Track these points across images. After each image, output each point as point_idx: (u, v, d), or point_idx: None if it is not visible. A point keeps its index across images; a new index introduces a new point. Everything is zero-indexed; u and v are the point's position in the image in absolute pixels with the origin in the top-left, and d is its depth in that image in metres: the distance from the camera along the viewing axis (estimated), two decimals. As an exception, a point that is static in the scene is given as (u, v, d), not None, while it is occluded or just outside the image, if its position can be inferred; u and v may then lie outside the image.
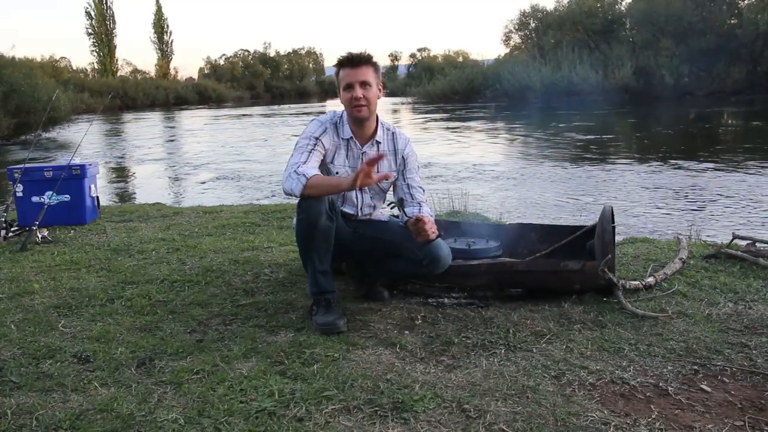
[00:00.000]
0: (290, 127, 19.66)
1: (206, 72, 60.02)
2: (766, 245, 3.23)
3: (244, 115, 28.98)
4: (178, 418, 1.69)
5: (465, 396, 1.79)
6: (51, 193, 4.37)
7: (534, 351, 2.11)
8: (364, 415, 1.70)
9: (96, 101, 29.95)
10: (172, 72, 57.21)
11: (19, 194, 4.43)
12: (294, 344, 2.18)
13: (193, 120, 26.67)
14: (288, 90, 59.28)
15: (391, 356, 2.09)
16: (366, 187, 2.57)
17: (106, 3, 51.11)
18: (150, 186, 9.31)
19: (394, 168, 2.60)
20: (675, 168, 8.91)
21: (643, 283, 2.69)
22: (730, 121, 18.41)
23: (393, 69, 61.72)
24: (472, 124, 18.80)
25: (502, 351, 2.12)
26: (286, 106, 37.08)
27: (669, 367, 1.98)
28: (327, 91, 57.01)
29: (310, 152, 2.41)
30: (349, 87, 2.41)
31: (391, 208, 2.61)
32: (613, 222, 2.65)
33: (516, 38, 36.83)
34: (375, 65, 2.47)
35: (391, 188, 2.66)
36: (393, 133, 2.62)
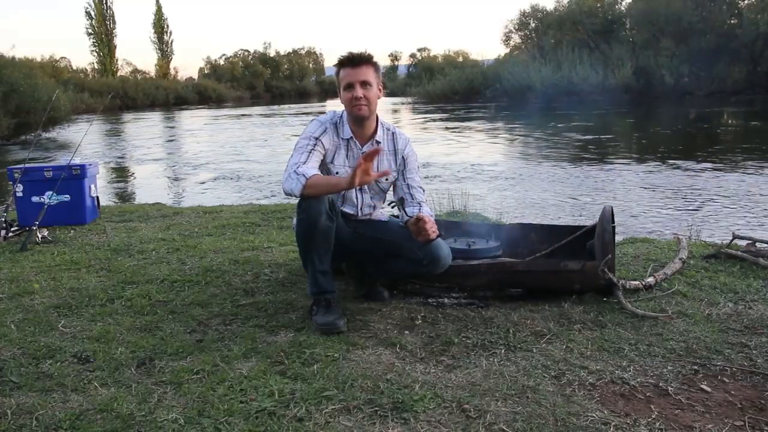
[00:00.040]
0: (290, 127, 19.66)
1: (206, 72, 60.05)
2: (766, 245, 3.23)
3: (243, 115, 28.98)
4: (178, 418, 1.69)
5: (465, 396, 1.79)
6: (51, 193, 4.37)
7: (534, 351, 2.11)
8: (364, 415, 1.70)
9: (96, 101, 29.96)
10: (172, 72, 57.29)
11: (19, 194, 4.43)
12: (294, 344, 2.18)
13: (193, 120, 26.67)
14: (288, 90, 59.30)
15: (391, 356, 2.09)
16: (366, 187, 2.58)
17: (106, 3, 51.18)
18: (150, 186, 9.30)
19: (394, 168, 2.60)
20: (675, 168, 8.91)
21: (643, 283, 2.69)
22: (730, 121, 18.41)
23: (393, 69, 61.74)
24: (471, 124, 18.80)
25: (502, 351, 2.12)
26: (286, 106, 37.08)
27: (669, 367, 1.98)
28: (327, 91, 57.05)
29: (310, 152, 2.41)
30: (350, 86, 2.41)
31: (392, 207, 2.61)
32: (613, 222, 2.65)
33: (516, 38, 36.88)
34: (375, 65, 2.47)
35: (391, 188, 2.67)
36: (393, 133, 2.62)
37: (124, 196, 8.58)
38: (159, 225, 4.53)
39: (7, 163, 10.29)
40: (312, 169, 2.35)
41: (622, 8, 31.36)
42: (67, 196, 4.48)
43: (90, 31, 51.31)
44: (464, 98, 30.57)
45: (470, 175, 8.94)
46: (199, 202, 6.95)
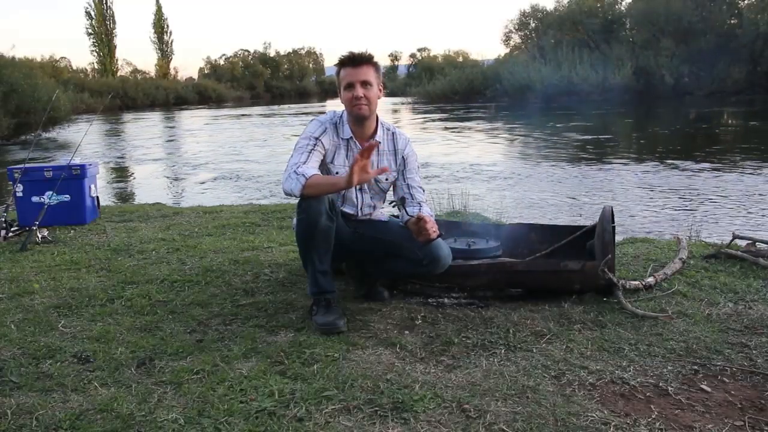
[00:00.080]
0: (290, 128, 19.66)
1: (206, 72, 60.05)
2: (766, 245, 3.23)
3: (243, 115, 28.98)
4: (178, 418, 1.69)
5: (465, 396, 1.79)
6: (51, 193, 4.37)
7: (534, 351, 2.11)
8: (364, 415, 1.70)
9: (96, 101, 29.96)
10: (172, 72, 57.28)
11: (19, 194, 4.43)
12: (294, 344, 2.17)
13: (193, 120, 26.67)
14: (288, 90, 59.30)
15: (391, 356, 2.09)
16: (366, 187, 2.58)
17: (106, 3, 51.17)
18: (150, 186, 9.31)
19: (394, 168, 2.60)
20: (675, 168, 8.91)
21: (643, 283, 2.69)
22: (730, 121, 18.41)
23: (393, 69, 61.73)
24: (471, 124, 18.81)
25: (502, 351, 2.12)
26: (286, 106, 37.08)
27: (669, 367, 1.98)
28: (327, 91, 57.05)
29: (310, 152, 2.41)
30: (350, 86, 2.41)
31: (393, 207, 2.61)
32: (613, 222, 2.65)
33: (516, 38, 36.92)
34: (376, 65, 2.47)
35: (391, 188, 2.67)
36: (393, 133, 2.62)
37: (124, 196, 8.58)
38: (159, 225, 4.53)
39: (7, 163, 10.30)
40: (312, 169, 2.35)
41: (622, 8, 31.39)
42: (67, 196, 4.48)
43: (90, 31, 51.38)
44: (464, 98, 30.57)
45: (469, 175, 8.94)
46: (199, 202, 6.95)
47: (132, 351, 2.16)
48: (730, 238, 3.40)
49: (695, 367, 1.98)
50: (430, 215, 2.48)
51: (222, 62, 61.21)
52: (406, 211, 2.49)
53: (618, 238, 3.76)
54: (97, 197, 4.82)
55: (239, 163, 11.21)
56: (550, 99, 24.44)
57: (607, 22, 30.41)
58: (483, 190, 7.50)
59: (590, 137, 13.57)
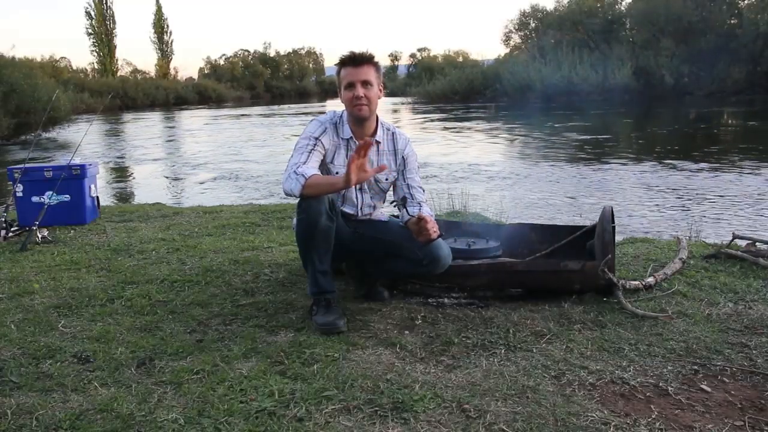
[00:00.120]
0: (290, 128, 19.66)
1: (206, 72, 60.05)
2: (766, 245, 3.23)
3: (243, 115, 28.98)
4: (178, 418, 1.69)
5: (465, 396, 1.79)
6: (51, 193, 4.37)
7: (534, 351, 2.11)
8: (364, 415, 1.70)
9: (96, 101, 29.96)
10: (172, 72, 57.28)
11: (19, 194, 4.43)
12: (294, 344, 2.17)
13: (193, 120, 26.67)
14: (288, 90, 59.30)
15: (391, 356, 2.09)
16: (366, 187, 2.58)
17: (106, 3, 51.17)
18: (150, 186, 9.31)
19: (393, 168, 2.60)
20: (674, 168, 8.91)
21: (643, 283, 2.69)
22: (730, 121, 18.41)
23: (393, 69, 61.74)
24: (471, 124, 18.81)
25: (502, 351, 2.12)
26: (285, 106, 37.08)
27: (669, 367, 1.98)
28: (327, 91, 57.05)
29: (310, 152, 2.41)
30: (351, 86, 2.41)
31: (394, 206, 2.61)
32: (612, 222, 2.65)
33: (516, 38, 36.95)
34: (377, 65, 2.47)
35: (391, 188, 2.67)
36: (393, 133, 2.62)
37: (124, 196, 8.58)
38: (159, 225, 4.53)
39: (7, 163, 10.30)
40: (312, 169, 2.35)
41: (622, 8, 31.40)
42: (67, 196, 4.48)
43: (90, 31, 51.38)
44: (464, 98, 30.58)
45: (468, 174, 8.95)
46: (198, 202, 6.95)
47: (132, 351, 2.16)
48: (730, 238, 3.40)
49: (695, 367, 1.98)
50: (431, 215, 2.48)
51: (222, 62, 61.25)
52: (407, 210, 2.49)
53: (618, 238, 3.76)
54: (97, 197, 4.82)
55: (239, 163, 11.21)
56: (550, 99, 24.46)
57: (607, 22, 30.42)
58: (483, 190, 7.49)
59: (590, 137, 13.57)
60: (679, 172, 8.59)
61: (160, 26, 56.75)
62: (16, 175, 4.40)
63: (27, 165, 4.51)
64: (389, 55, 65.22)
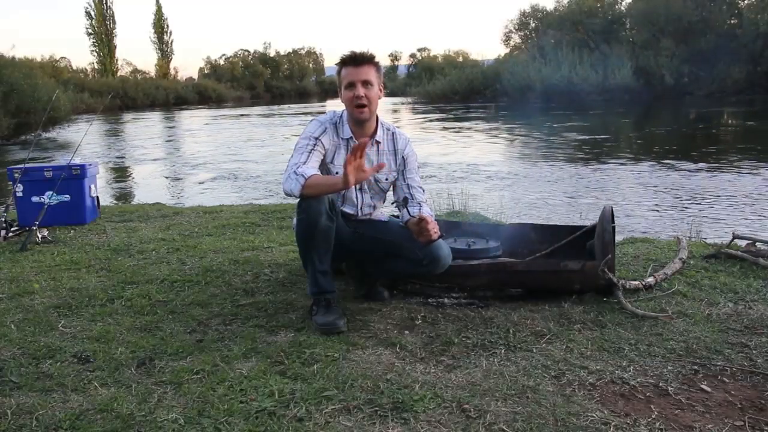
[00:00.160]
0: (289, 128, 19.66)
1: (206, 72, 60.02)
2: (766, 245, 3.23)
3: (243, 115, 28.98)
4: (178, 418, 1.69)
5: (465, 396, 1.79)
6: (51, 193, 4.37)
7: (534, 351, 2.11)
8: (364, 415, 1.70)
9: (96, 101, 29.96)
10: (172, 72, 57.25)
11: (19, 194, 4.43)
12: (294, 344, 2.17)
13: (193, 120, 26.67)
14: (288, 90, 59.27)
15: (391, 356, 2.09)
16: (366, 187, 2.58)
17: (106, 3, 51.14)
18: (149, 186, 9.31)
19: (393, 168, 2.60)
20: (674, 168, 8.91)
21: (643, 283, 2.69)
22: (730, 121, 18.42)
23: (393, 69, 61.70)
24: (470, 124, 18.81)
25: (502, 351, 2.12)
26: (285, 106, 37.08)
27: (669, 367, 1.98)
28: (327, 91, 57.04)
29: (310, 152, 2.41)
30: (351, 86, 2.41)
31: (395, 206, 2.61)
32: (612, 222, 2.65)
33: (516, 38, 36.97)
34: (377, 65, 2.47)
35: (391, 188, 2.66)
36: (393, 133, 2.62)
37: (124, 196, 8.59)
38: (159, 225, 4.53)
39: (7, 163, 10.30)
40: (311, 169, 2.34)
41: (622, 8, 31.42)
42: (67, 196, 4.48)
43: (90, 31, 51.35)
44: (464, 98, 30.59)
45: (468, 175, 8.95)
46: (198, 202, 6.96)
47: (132, 351, 2.16)
48: (730, 238, 3.40)
49: (695, 367, 1.98)
50: (431, 215, 2.48)
51: (222, 62, 61.22)
52: (407, 210, 2.49)
53: (618, 238, 3.76)
54: (97, 197, 4.82)
55: (239, 163, 11.21)
56: (550, 99, 24.45)
57: (607, 22, 30.43)
58: (482, 190, 7.50)
59: (590, 137, 13.57)
60: (678, 171, 8.60)
61: (160, 26, 56.74)
62: (16, 175, 4.40)
63: (27, 165, 4.51)
64: (389, 55, 65.30)
